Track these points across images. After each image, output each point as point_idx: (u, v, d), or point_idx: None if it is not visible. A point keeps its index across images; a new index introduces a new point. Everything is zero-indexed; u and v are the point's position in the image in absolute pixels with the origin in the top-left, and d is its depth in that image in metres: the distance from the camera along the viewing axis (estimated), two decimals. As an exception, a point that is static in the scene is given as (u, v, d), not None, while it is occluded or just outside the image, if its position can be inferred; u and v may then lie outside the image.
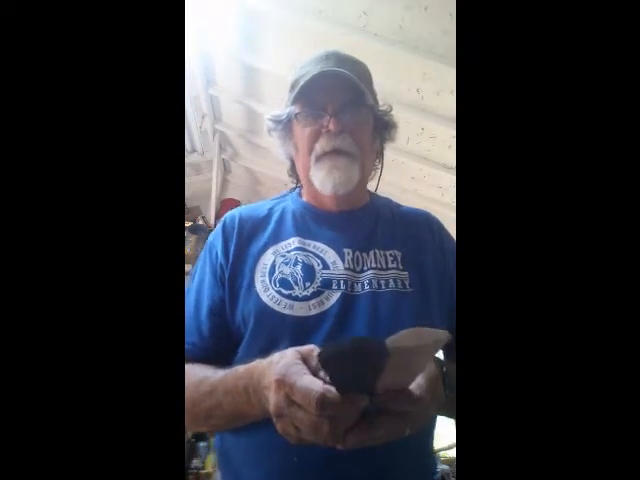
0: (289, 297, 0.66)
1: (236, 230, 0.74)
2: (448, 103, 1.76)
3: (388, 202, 0.87)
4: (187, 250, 2.75)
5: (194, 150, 2.81)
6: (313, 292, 0.67)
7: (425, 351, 0.43)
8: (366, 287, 0.69)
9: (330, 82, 0.70)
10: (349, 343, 0.40)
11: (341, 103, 0.71)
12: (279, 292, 0.67)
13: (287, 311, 0.65)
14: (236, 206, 3.16)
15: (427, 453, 0.72)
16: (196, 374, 0.64)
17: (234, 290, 0.69)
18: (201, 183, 3.13)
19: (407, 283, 0.70)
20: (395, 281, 0.70)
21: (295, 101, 0.74)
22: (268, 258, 0.71)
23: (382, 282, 0.70)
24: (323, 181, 0.72)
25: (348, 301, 0.67)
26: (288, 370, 0.44)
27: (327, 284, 0.68)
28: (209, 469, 2.15)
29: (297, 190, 0.85)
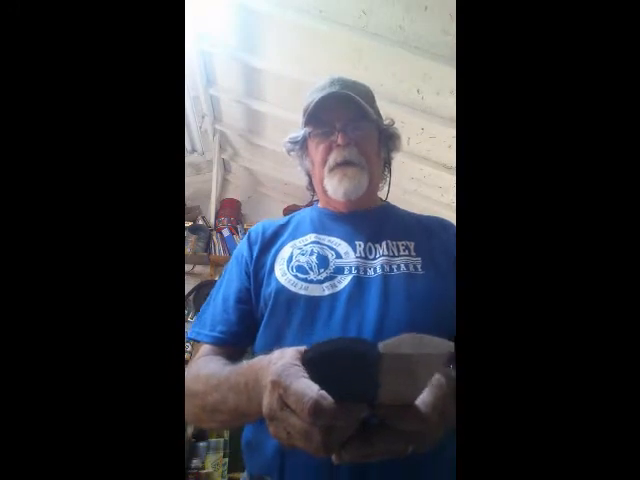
0: (305, 280, 0.74)
1: (260, 235, 0.85)
2: (448, 103, 1.76)
3: (399, 208, 0.96)
4: (187, 250, 2.75)
5: (194, 150, 2.81)
6: (327, 277, 0.74)
7: (428, 361, 0.40)
8: (378, 271, 0.75)
9: (336, 103, 0.81)
10: (335, 342, 0.37)
11: (347, 120, 0.82)
12: (295, 276, 0.74)
13: (302, 292, 0.72)
14: (236, 206, 3.17)
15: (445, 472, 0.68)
16: (209, 367, 0.68)
17: (258, 281, 0.78)
18: (201, 183, 3.14)
19: (419, 266, 0.76)
20: (407, 265, 0.76)
21: (307, 123, 0.85)
22: (287, 251, 0.80)
23: (394, 266, 0.76)
24: (335, 188, 0.82)
25: (361, 282, 0.73)
26: (284, 371, 0.43)
27: (340, 270, 0.75)
28: (209, 469, 2.16)
29: (315, 204, 0.96)
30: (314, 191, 0.96)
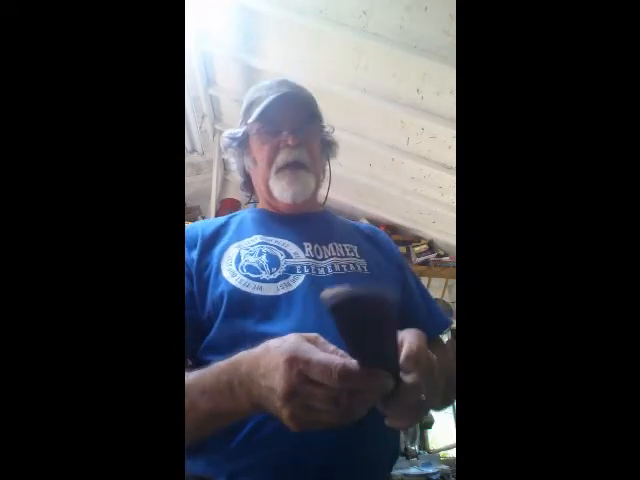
0: (257, 280, 0.71)
1: (199, 236, 0.79)
2: (448, 103, 1.76)
3: (336, 215, 0.97)
4: (187, 250, 2.74)
5: (194, 150, 2.81)
6: (279, 275, 0.72)
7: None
8: (329, 270, 0.75)
9: (288, 104, 0.81)
10: (360, 289, 0.34)
11: (298, 121, 0.82)
12: (247, 276, 0.71)
13: (256, 292, 0.69)
14: (236, 206, 3.17)
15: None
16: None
17: (202, 281, 0.73)
18: (201, 183, 3.13)
19: (365, 268, 0.78)
20: (355, 265, 0.78)
21: (255, 120, 0.82)
22: (232, 252, 0.76)
23: (344, 266, 0.77)
24: (283, 190, 0.81)
25: (314, 281, 0.72)
26: (299, 348, 0.43)
27: (292, 270, 0.73)
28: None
29: (252, 206, 0.95)
30: (250, 191, 0.95)
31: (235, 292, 0.69)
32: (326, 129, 0.91)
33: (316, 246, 0.80)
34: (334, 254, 0.79)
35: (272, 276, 0.72)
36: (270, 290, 0.70)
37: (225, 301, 0.69)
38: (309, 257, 0.77)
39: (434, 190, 2.40)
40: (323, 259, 0.78)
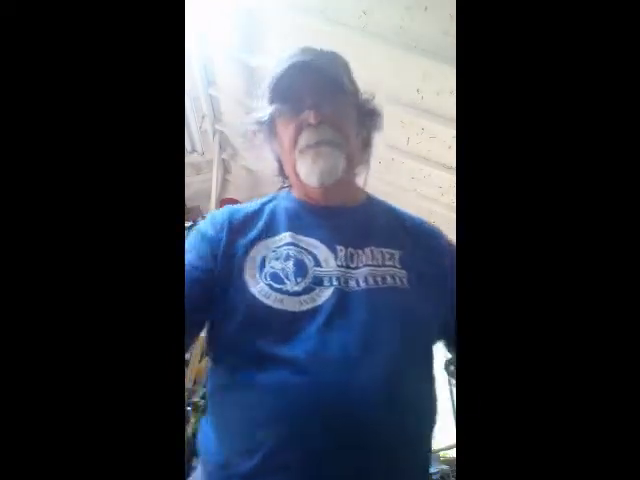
0: (279, 291, 0.64)
1: (226, 221, 0.73)
2: (448, 103, 1.76)
3: (384, 204, 0.85)
4: (187, 250, 2.74)
5: (194, 150, 2.81)
6: (304, 288, 0.65)
7: None
8: (362, 284, 0.67)
9: (305, 74, 0.70)
10: None
11: (318, 94, 0.70)
12: (269, 286, 0.65)
13: (277, 305, 0.63)
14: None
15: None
16: None
17: (229, 268, 0.67)
18: (201, 183, 3.13)
19: (405, 280, 0.69)
20: (393, 277, 0.68)
21: (273, 99, 0.73)
22: (258, 252, 0.69)
23: (379, 278, 0.67)
24: (308, 172, 0.71)
25: (342, 297, 0.65)
26: None
27: (318, 281, 0.66)
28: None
29: (286, 190, 0.84)
30: (285, 178, 0.84)
31: (254, 303, 0.63)
32: (363, 97, 0.77)
33: (350, 250, 0.70)
34: (370, 262, 0.69)
35: (296, 287, 0.65)
36: (292, 304, 0.63)
37: (243, 313, 0.64)
38: (340, 265, 0.68)
39: (434, 190, 2.40)
40: (356, 267, 0.69)
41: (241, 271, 0.67)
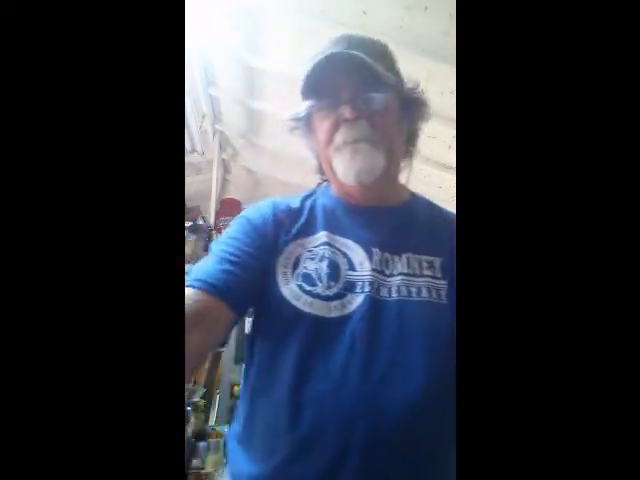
0: (310, 294, 0.63)
1: (271, 214, 0.71)
2: (448, 103, 1.76)
3: (428, 202, 0.80)
4: (187, 250, 2.75)
5: (194, 150, 2.81)
6: (336, 293, 0.63)
7: None
8: (394, 294, 0.64)
9: (342, 66, 0.65)
10: None
11: (355, 88, 0.66)
12: (300, 286, 0.63)
13: (306, 308, 0.62)
14: (236, 206, 3.18)
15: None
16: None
17: (259, 272, 0.66)
18: (201, 183, 3.13)
19: (443, 293, 0.64)
20: (429, 290, 0.64)
21: (309, 94, 0.69)
22: (294, 250, 0.67)
23: (413, 290, 0.64)
24: (345, 170, 0.68)
25: (374, 306, 0.62)
26: None
27: (351, 287, 0.64)
28: (209, 469, 2.15)
29: (325, 184, 0.80)
30: (325, 174, 0.79)
31: (283, 304, 0.62)
32: (407, 86, 0.72)
33: (386, 255, 0.67)
34: (405, 270, 0.66)
35: (327, 292, 0.63)
36: (321, 309, 0.61)
37: (272, 312, 0.64)
38: (374, 269, 0.65)
39: (434, 190, 2.40)
40: (390, 275, 0.65)
41: (275, 268, 0.66)
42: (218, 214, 3.08)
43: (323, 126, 0.69)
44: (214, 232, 2.95)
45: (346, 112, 0.65)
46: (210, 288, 0.60)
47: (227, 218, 3.03)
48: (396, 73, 0.72)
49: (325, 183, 0.81)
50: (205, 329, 0.58)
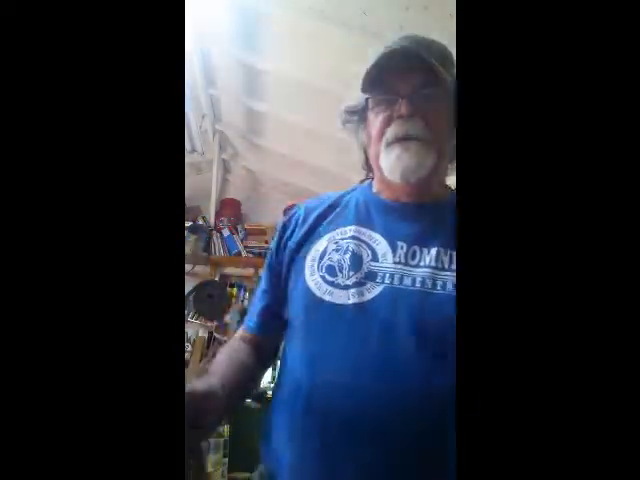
0: (331, 284, 0.66)
1: (301, 218, 0.76)
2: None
3: None
4: (187, 250, 2.75)
5: (194, 150, 2.81)
6: (355, 282, 0.65)
7: None
8: (417, 284, 0.63)
9: (403, 63, 0.66)
10: None
11: (413, 84, 0.66)
12: (322, 277, 0.67)
13: (326, 297, 0.65)
14: (236, 206, 3.17)
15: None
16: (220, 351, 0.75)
17: (288, 275, 0.73)
18: (201, 183, 3.13)
19: None
20: (454, 286, 0.63)
21: (367, 88, 0.69)
22: (322, 244, 0.71)
23: (438, 282, 0.63)
24: (392, 167, 0.68)
25: (393, 296, 0.63)
26: None
27: (371, 276, 0.65)
28: (209, 469, 2.15)
29: (368, 182, 0.81)
30: (369, 169, 0.79)
31: (307, 294, 0.67)
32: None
33: (413, 248, 0.67)
34: (433, 264, 0.64)
35: (347, 281, 0.65)
36: (340, 297, 0.64)
37: (297, 302, 0.69)
38: (397, 262, 0.65)
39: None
40: (416, 266, 0.65)
41: (303, 264, 0.70)
42: (218, 214, 3.08)
43: (377, 120, 0.69)
44: (214, 232, 2.95)
45: (402, 108, 0.65)
46: (256, 330, 0.79)
47: (227, 218, 3.03)
48: (452, 75, 0.70)
49: (368, 180, 0.81)
50: None
